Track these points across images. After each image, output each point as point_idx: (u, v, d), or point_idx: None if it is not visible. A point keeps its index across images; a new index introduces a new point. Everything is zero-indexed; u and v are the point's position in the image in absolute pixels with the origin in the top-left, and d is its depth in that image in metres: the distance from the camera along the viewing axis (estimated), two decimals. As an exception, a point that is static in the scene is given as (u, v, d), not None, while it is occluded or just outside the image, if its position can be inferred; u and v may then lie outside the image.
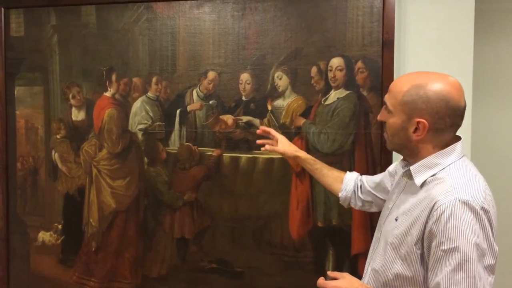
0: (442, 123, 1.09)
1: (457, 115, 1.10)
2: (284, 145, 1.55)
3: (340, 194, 1.52)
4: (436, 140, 1.12)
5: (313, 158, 1.55)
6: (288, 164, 1.79)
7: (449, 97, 1.08)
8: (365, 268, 1.31)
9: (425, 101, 1.09)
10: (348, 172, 1.56)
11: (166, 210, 1.93)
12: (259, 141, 1.59)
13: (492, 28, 2.37)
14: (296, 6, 1.75)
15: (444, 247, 1.02)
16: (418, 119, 1.10)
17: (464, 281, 0.99)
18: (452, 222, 1.01)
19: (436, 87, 1.09)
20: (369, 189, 1.48)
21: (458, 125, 1.12)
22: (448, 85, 1.10)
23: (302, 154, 1.54)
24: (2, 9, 2.04)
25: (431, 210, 1.06)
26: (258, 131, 1.61)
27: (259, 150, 1.81)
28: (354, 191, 1.51)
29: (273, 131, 1.58)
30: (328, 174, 1.54)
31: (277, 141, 1.55)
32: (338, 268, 1.77)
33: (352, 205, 1.53)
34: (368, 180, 1.51)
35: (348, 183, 1.51)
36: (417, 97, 1.10)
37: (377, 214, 1.64)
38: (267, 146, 1.55)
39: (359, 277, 1.74)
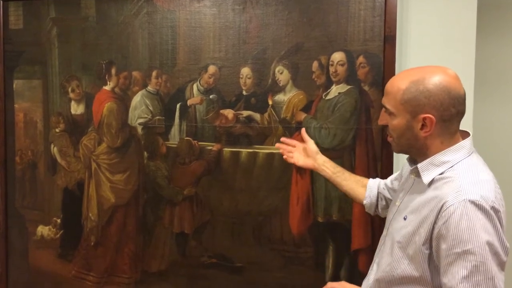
0: (448, 114, 1.08)
1: (460, 103, 1.08)
2: (299, 157, 1.57)
3: (364, 202, 1.48)
4: (444, 133, 1.10)
5: (331, 162, 1.53)
6: (288, 159, 1.79)
7: (450, 86, 1.07)
8: (371, 265, 1.30)
9: (427, 95, 1.07)
10: (371, 179, 1.52)
11: (166, 205, 1.93)
12: (277, 145, 1.61)
13: (495, 24, 2.36)
14: (297, 0, 1.74)
15: (457, 249, 0.99)
16: (424, 115, 1.08)
17: (483, 283, 0.97)
18: (464, 223, 0.99)
19: (434, 79, 1.08)
20: (387, 193, 1.46)
21: (463, 112, 1.11)
22: (445, 75, 1.08)
23: (320, 158, 1.53)
24: (1, 1, 2.02)
25: (440, 210, 1.03)
26: (277, 145, 1.63)
27: (260, 145, 1.82)
28: (378, 196, 1.47)
29: (293, 142, 1.59)
30: (349, 178, 1.51)
31: (300, 148, 1.56)
32: (338, 264, 1.77)
33: (377, 212, 1.50)
34: (386, 183, 1.47)
35: (372, 190, 1.48)
36: (418, 92, 1.08)
37: (378, 210, 1.63)
38: (284, 157, 1.59)
39: (359, 272, 1.75)
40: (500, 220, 1.02)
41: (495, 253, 0.99)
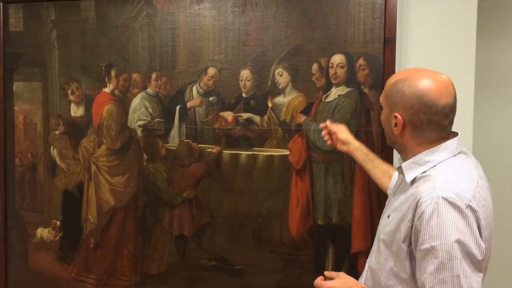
0: (417, 119, 1.08)
1: (433, 113, 1.06)
2: (339, 142, 1.54)
3: (388, 192, 1.47)
4: (418, 138, 1.10)
5: (364, 147, 1.53)
6: (288, 161, 1.78)
7: (424, 93, 1.05)
8: (364, 267, 1.31)
9: (400, 95, 1.09)
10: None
11: (165, 207, 1.92)
12: (324, 135, 1.58)
13: (495, 25, 2.36)
14: (297, 2, 1.74)
15: (426, 245, 0.99)
16: (395, 113, 1.10)
17: (449, 279, 0.97)
18: (435, 219, 0.99)
19: (414, 82, 1.07)
20: None
21: (438, 123, 1.08)
22: (429, 81, 1.07)
23: (354, 143, 1.52)
24: (1, 3, 2.02)
25: (416, 207, 1.04)
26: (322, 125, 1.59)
27: (259, 147, 1.81)
28: None
29: (329, 126, 1.56)
30: (378, 166, 1.50)
31: (335, 134, 1.54)
32: (338, 266, 1.76)
33: None
34: None
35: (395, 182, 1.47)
36: (396, 90, 1.10)
37: (377, 213, 1.63)
38: (328, 142, 1.57)
39: (358, 275, 1.74)
40: (478, 220, 1.00)
41: (466, 253, 0.97)
